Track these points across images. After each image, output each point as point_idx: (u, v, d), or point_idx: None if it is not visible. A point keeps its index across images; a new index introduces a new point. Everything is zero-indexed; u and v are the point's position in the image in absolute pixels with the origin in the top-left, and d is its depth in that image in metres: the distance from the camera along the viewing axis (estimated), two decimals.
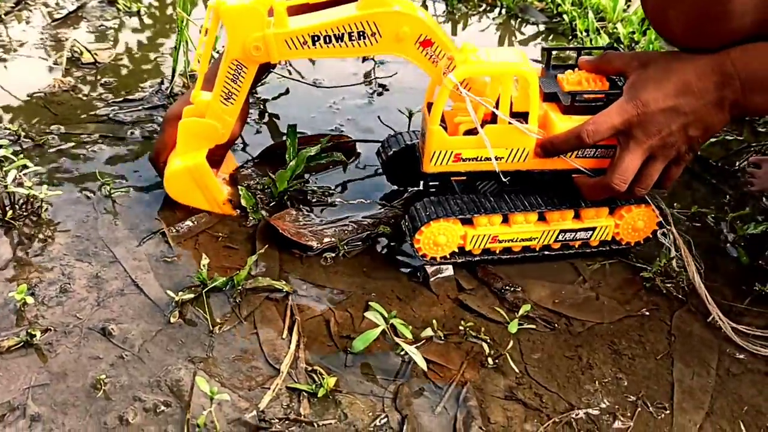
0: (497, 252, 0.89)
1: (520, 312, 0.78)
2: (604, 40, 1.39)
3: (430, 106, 0.83)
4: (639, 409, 0.72)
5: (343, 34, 0.84)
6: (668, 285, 0.87)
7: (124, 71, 1.30)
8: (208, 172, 0.92)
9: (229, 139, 0.93)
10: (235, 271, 0.86)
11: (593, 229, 0.88)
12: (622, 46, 1.45)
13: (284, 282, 0.85)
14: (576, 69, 0.86)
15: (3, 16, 1.49)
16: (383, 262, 0.90)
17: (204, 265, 0.82)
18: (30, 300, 0.79)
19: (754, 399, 0.74)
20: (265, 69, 0.99)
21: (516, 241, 0.87)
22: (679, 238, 0.87)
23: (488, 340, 0.78)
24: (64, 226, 0.93)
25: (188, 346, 0.76)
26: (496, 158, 0.83)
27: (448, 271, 0.87)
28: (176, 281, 0.85)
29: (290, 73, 1.31)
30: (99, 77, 1.27)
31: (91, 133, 1.11)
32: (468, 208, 0.85)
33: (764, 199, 1.02)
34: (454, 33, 1.52)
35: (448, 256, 0.87)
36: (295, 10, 0.88)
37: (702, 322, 0.83)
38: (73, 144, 1.08)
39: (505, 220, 0.87)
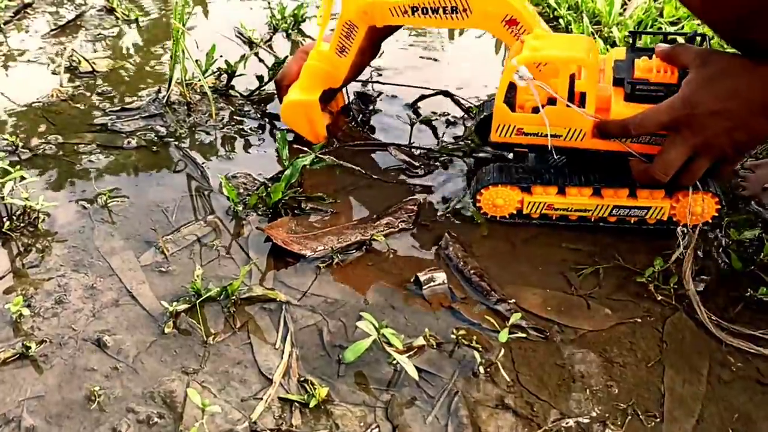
0: (554, 218, 0.96)
1: (511, 321, 0.79)
2: (598, 45, 1.39)
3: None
4: (629, 417, 0.73)
5: (438, 8, 0.96)
6: (662, 291, 0.87)
7: (121, 80, 1.31)
8: (317, 109, 1.08)
9: (342, 84, 1.09)
10: (229, 280, 0.87)
11: (648, 208, 0.92)
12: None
13: (278, 291, 0.85)
14: (653, 56, 0.90)
15: (2, 26, 1.50)
16: (377, 270, 0.90)
17: (198, 276, 0.83)
18: (26, 312, 0.80)
19: (745, 406, 0.74)
20: (381, 38, 1.12)
21: (571, 210, 0.94)
22: (694, 239, 0.88)
23: (480, 349, 0.79)
24: (61, 237, 0.94)
25: (182, 357, 0.77)
26: (556, 136, 0.89)
27: (441, 279, 0.88)
28: (171, 291, 0.85)
29: None
30: (97, 86, 1.28)
31: (88, 143, 1.12)
32: (526, 178, 0.94)
33: (753, 203, 1.02)
34: (451, 37, 1.53)
35: (507, 216, 0.97)
36: None
37: (693, 329, 0.83)
38: (70, 154, 1.09)
39: (562, 191, 0.93)
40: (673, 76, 0.86)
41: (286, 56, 1.35)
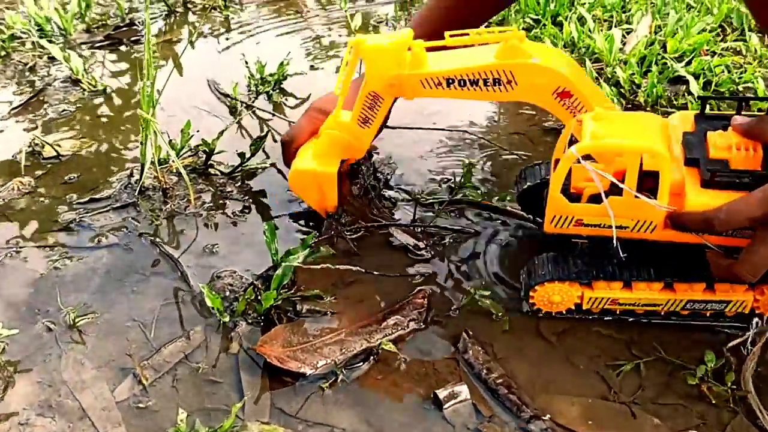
0: (618, 312, 0.85)
1: None
2: (602, 88, 1.29)
3: (557, 162, 0.78)
4: None
5: (478, 79, 0.84)
6: (717, 391, 0.76)
7: (89, 163, 1.20)
8: (333, 183, 0.95)
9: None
10: (218, 413, 0.75)
11: (728, 302, 0.81)
12: (623, 90, 1.35)
13: (276, 425, 0.74)
14: (729, 128, 0.77)
15: None
16: (388, 385, 0.79)
17: (182, 420, 0.71)
18: None
19: None
20: None
21: (638, 305, 0.83)
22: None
23: None
24: (25, 367, 0.82)
25: None
26: (621, 227, 0.78)
27: (464, 395, 0.77)
28: None
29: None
30: (62, 173, 1.17)
31: (53, 246, 1.00)
32: (586, 272, 0.82)
33: None
34: None
35: (564, 312, 0.85)
36: (434, 48, 0.88)
37: None
38: (33, 262, 0.97)
39: (629, 286, 0.82)
40: (757, 156, 0.73)
41: (267, 131, 1.25)
